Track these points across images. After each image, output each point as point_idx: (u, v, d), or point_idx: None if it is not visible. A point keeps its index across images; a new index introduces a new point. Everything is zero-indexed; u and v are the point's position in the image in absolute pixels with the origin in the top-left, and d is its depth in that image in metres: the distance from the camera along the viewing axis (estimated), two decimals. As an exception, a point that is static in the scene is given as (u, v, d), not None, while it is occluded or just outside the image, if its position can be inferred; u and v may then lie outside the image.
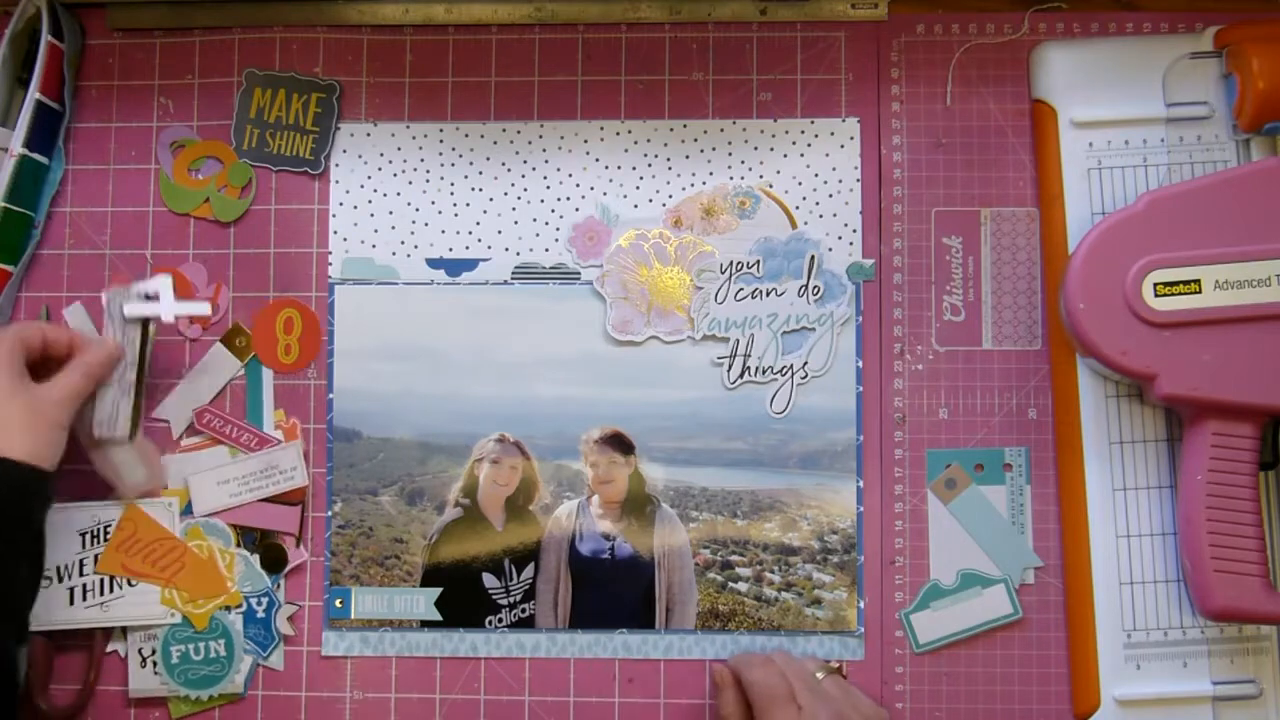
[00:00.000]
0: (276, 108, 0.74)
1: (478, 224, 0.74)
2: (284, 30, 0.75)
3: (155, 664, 0.71)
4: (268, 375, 0.73)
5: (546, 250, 0.74)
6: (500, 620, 0.72)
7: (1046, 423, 0.72)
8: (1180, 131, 0.71)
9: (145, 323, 0.68)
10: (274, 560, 0.71)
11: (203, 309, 0.71)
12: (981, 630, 0.70)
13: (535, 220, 0.74)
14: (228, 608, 0.71)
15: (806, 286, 0.72)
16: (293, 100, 0.74)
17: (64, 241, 0.74)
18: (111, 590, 0.71)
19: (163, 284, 0.69)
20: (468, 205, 0.74)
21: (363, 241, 0.74)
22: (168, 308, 0.68)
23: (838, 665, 0.70)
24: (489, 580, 0.72)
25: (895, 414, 0.72)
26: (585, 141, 0.74)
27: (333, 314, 0.73)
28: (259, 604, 0.71)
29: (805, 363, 0.72)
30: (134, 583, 0.71)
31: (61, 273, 0.74)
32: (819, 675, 0.67)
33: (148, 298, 0.68)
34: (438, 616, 0.71)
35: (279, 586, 0.72)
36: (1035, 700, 0.70)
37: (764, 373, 0.72)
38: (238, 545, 0.72)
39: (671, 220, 0.73)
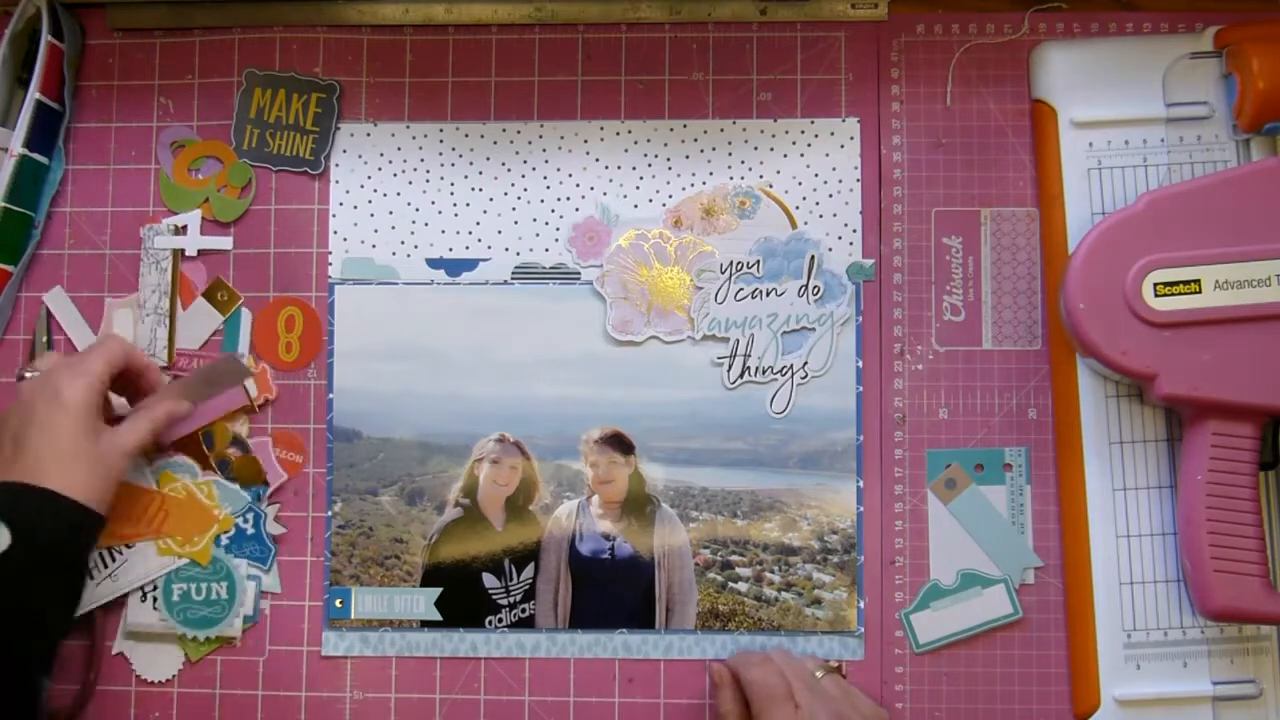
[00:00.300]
0: (276, 108, 0.74)
1: (478, 224, 0.74)
2: (284, 30, 0.75)
3: (155, 600, 0.71)
4: (246, 317, 0.73)
5: (546, 250, 0.74)
6: (500, 620, 0.72)
7: (1046, 423, 0.72)
8: (1180, 131, 0.71)
9: (176, 254, 0.73)
10: (250, 474, 0.72)
11: (224, 243, 0.73)
12: (981, 630, 0.70)
13: (535, 220, 0.74)
14: (220, 535, 0.71)
15: (806, 286, 0.72)
16: (293, 100, 0.74)
17: (64, 241, 0.74)
18: (113, 560, 0.71)
19: (191, 218, 0.73)
20: (468, 205, 0.74)
21: (363, 241, 0.74)
22: (193, 240, 0.73)
23: (837, 664, 0.70)
24: (489, 580, 0.72)
25: (895, 414, 0.72)
26: (585, 141, 0.74)
27: (333, 314, 0.73)
28: (246, 521, 0.71)
29: (805, 363, 0.72)
30: (130, 545, 0.71)
31: (61, 273, 0.74)
32: (818, 674, 0.67)
33: (177, 231, 0.72)
34: (438, 616, 0.71)
35: (261, 498, 0.72)
36: (1035, 700, 0.70)
37: (764, 373, 0.72)
38: (207, 470, 0.72)
39: (671, 220, 0.73)
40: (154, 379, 0.70)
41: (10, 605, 0.61)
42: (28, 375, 0.68)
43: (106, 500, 0.65)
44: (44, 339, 0.73)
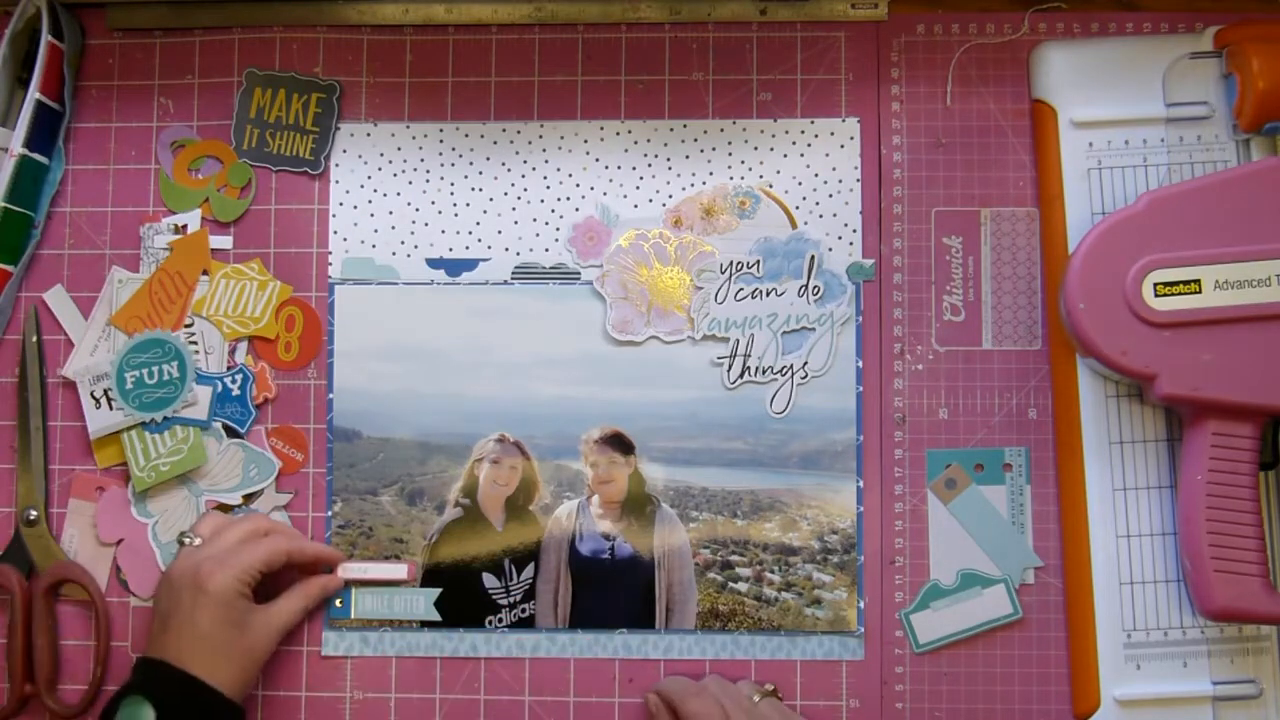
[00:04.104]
0: (276, 108, 0.74)
1: (477, 224, 0.74)
2: (284, 30, 0.75)
3: (111, 400, 0.71)
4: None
5: (546, 250, 0.74)
6: (500, 620, 0.72)
7: (1046, 423, 0.72)
8: (1180, 131, 0.71)
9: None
10: None
11: (224, 243, 0.74)
12: (981, 630, 0.70)
13: (535, 220, 0.74)
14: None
15: (806, 286, 0.72)
16: (293, 100, 0.74)
17: (64, 241, 0.74)
18: None
19: (191, 218, 0.73)
20: (468, 205, 0.74)
21: (363, 241, 0.74)
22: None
23: (772, 688, 0.69)
24: (489, 580, 0.72)
25: (895, 414, 0.72)
26: (585, 141, 0.74)
27: (333, 314, 0.73)
28: (234, 382, 0.72)
29: (805, 363, 0.72)
30: None
31: (62, 272, 0.74)
32: (755, 699, 0.66)
33: (177, 230, 0.73)
34: (437, 617, 0.71)
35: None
36: (1035, 700, 0.70)
37: (764, 373, 0.72)
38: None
39: (671, 220, 0.73)
40: (318, 568, 0.71)
41: None
42: (186, 541, 0.68)
43: (246, 690, 0.66)
44: (34, 339, 0.73)
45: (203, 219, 0.74)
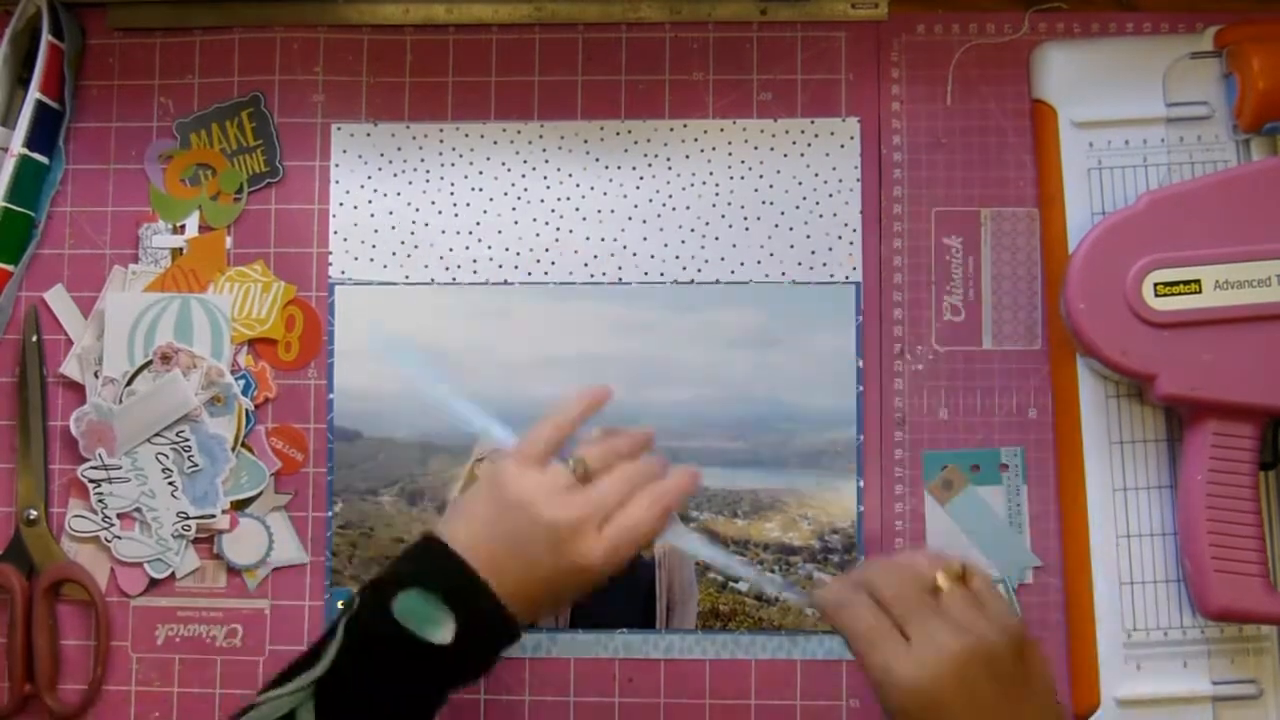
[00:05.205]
0: (216, 142, 0.73)
1: (478, 224, 0.74)
2: (284, 30, 0.75)
3: None
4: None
5: (547, 250, 0.74)
6: (500, 620, 0.72)
7: (1046, 423, 0.72)
8: (1180, 131, 0.71)
9: (175, 253, 0.73)
10: None
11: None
12: (981, 630, 0.70)
13: (535, 220, 0.74)
14: None
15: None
16: (227, 128, 0.73)
17: (64, 241, 0.74)
18: None
19: (190, 218, 0.73)
20: (468, 205, 0.74)
21: (363, 241, 0.74)
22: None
23: (959, 568, 0.56)
24: (489, 580, 0.72)
25: (895, 414, 0.72)
26: (585, 141, 0.74)
27: (333, 314, 0.73)
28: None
29: (805, 362, 0.72)
30: None
31: (62, 272, 0.74)
32: (943, 584, 0.54)
33: (176, 230, 0.73)
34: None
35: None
36: (1035, 700, 0.70)
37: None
38: None
39: (672, 220, 0.73)
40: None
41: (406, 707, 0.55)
42: (574, 469, 0.59)
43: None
44: (34, 339, 0.73)
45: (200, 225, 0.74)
